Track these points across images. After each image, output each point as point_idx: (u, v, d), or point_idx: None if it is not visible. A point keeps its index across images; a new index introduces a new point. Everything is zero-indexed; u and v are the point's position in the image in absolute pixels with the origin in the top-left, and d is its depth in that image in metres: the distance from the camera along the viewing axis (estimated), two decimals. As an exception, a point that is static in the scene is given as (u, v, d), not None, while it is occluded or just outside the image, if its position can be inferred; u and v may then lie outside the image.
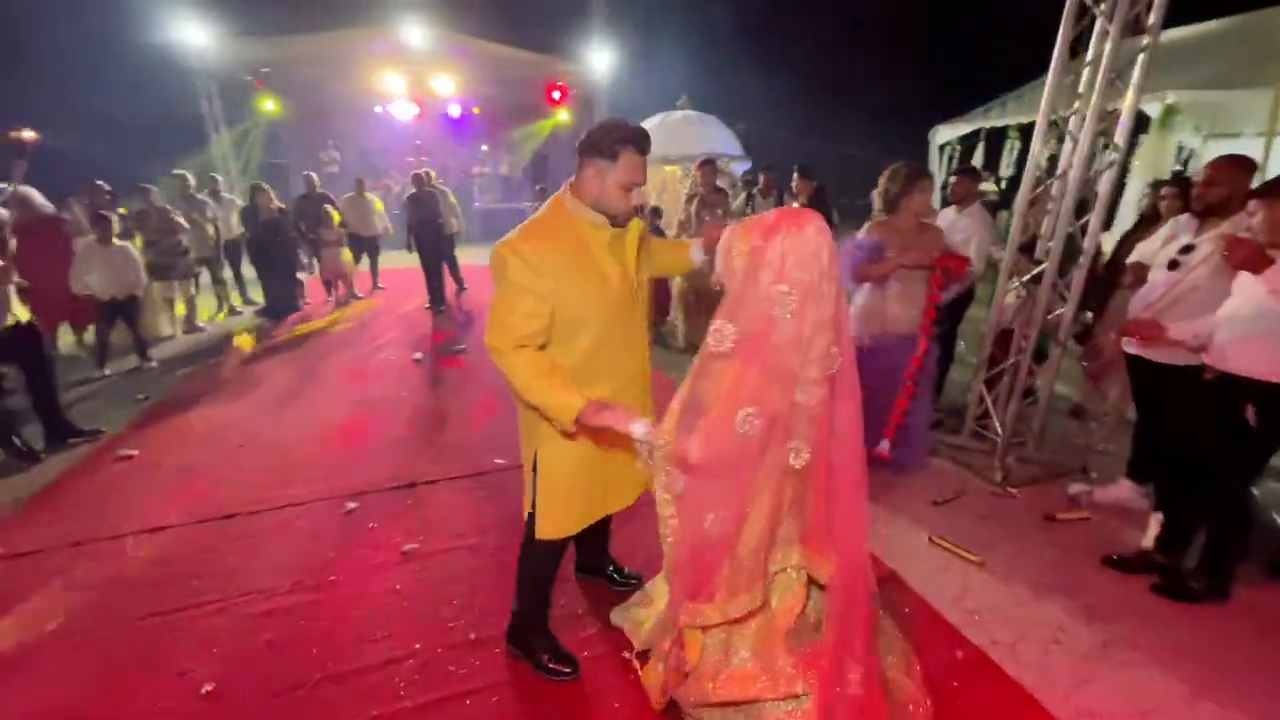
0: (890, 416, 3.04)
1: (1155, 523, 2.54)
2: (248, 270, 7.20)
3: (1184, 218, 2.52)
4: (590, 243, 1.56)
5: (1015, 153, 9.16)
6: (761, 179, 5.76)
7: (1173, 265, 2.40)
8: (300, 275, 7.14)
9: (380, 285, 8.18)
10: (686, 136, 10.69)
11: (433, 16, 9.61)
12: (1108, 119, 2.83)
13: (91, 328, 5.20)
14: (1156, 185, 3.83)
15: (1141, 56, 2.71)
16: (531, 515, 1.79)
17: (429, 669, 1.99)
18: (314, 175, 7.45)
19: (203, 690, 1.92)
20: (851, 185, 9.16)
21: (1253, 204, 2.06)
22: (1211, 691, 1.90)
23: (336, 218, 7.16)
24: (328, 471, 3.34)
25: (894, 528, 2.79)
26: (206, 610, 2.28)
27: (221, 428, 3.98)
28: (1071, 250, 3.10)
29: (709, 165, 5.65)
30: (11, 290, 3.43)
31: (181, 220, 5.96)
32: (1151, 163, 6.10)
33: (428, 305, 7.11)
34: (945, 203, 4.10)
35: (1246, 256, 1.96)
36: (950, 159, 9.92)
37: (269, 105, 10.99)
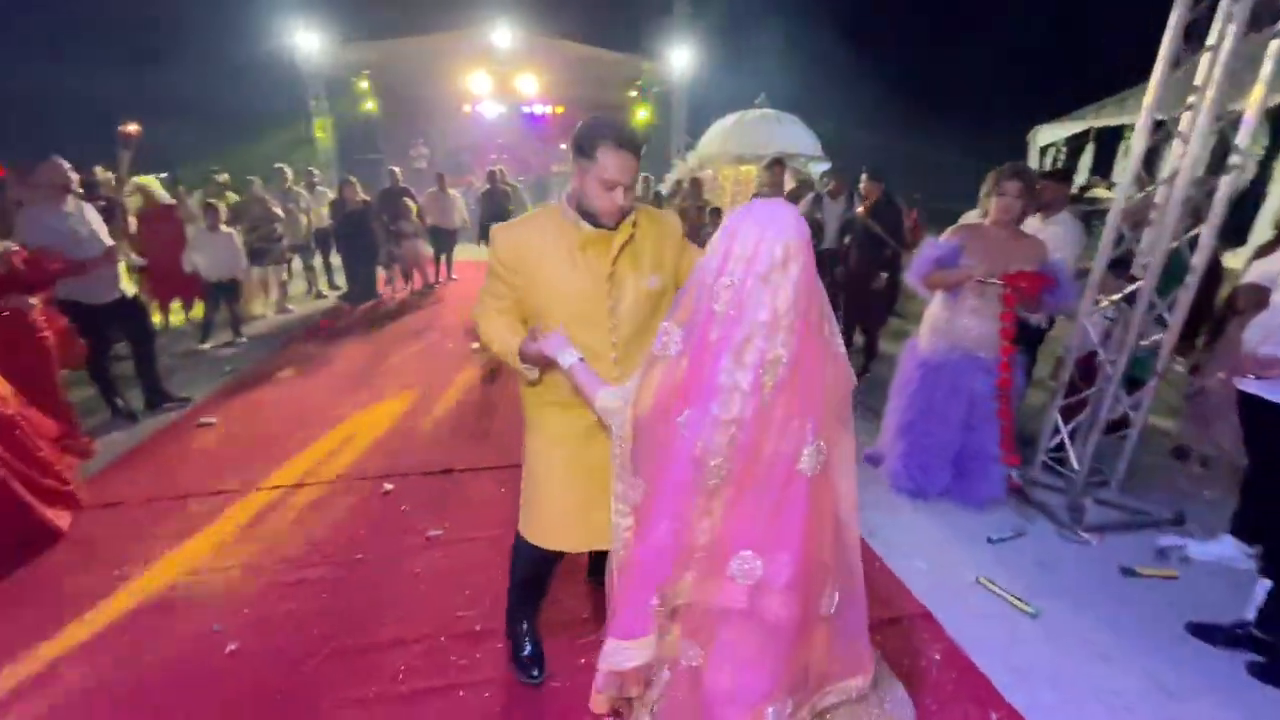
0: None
1: (1261, 591, 2.16)
2: (335, 258, 7.74)
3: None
4: (568, 241, 1.51)
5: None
6: (831, 181, 5.50)
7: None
8: (380, 264, 7.59)
9: (454, 276, 8.55)
10: (762, 135, 10.39)
11: (519, 18, 9.94)
12: (1227, 118, 2.44)
13: (199, 305, 5.78)
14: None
15: (1275, 44, 2.31)
16: None
17: (431, 656, 2.03)
18: (397, 170, 7.89)
19: (228, 649, 2.05)
20: (939, 187, 8.58)
21: None
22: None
23: (415, 211, 7.54)
24: (375, 451, 3.51)
25: (936, 561, 2.55)
26: (245, 574, 2.44)
27: (291, 403, 4.29)
28: (1178, 268, 2.71)
29: (777, 165, 5.45)
30: (122, 267, 3.83)
31: (278, 210, 6.50)
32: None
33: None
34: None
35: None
36: (1055, 162, 9.08)
37: (368, 105, 11.80)
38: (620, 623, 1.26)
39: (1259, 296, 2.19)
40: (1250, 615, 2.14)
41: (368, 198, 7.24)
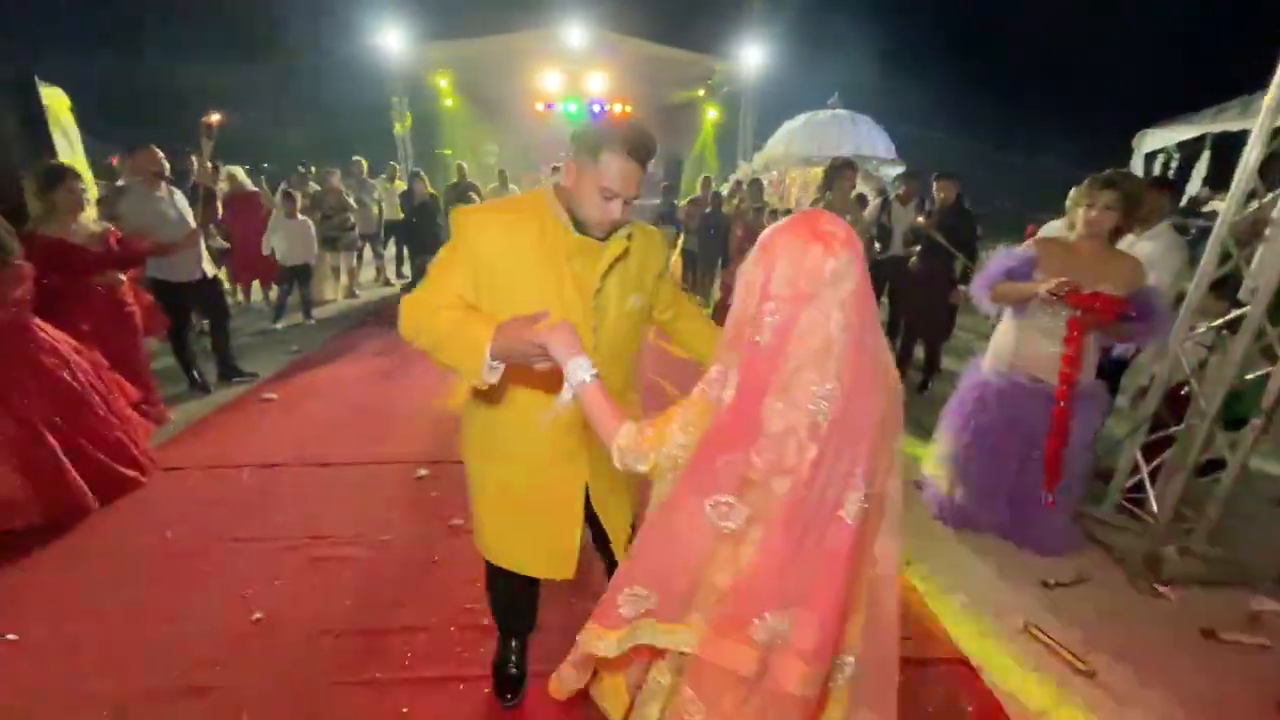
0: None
1: (1375, 674, 1.85)
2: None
3: None
4: (555, 246, 1.35)
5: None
6: (901, 186, 5.20)
7: None
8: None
9: (513, 269, 8.74)
10: (832, 136, 10.04)
11: (593, 16, 10.03)
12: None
13: (275, 287, 6.18)
14: None
15: None
16: None
17: (437, 645, 2.04)
18: (464, 165, 8.16)
19: (254, 616, 2.14)
20: (1031, 195, 7.97)
21: None
22: None
23: (479, 205, 7.76)
24: (415, 436, 3.60)
25: (982, 602, 2.34)
26: (279, 545, 2.56)
27: (348, 384, 4.49)
28: (1295, 293, 2.36)
29: (848, 168, 5.18)
30: (204, 249, 4.13)
31: (352, 200, 6.85)
32: None
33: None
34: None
35: None
36: (1165, 170, 8.25)
37: (448, 102, 12.29)
38: (600, 608, 1.19)
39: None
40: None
41: (434, 191, 7.50)
